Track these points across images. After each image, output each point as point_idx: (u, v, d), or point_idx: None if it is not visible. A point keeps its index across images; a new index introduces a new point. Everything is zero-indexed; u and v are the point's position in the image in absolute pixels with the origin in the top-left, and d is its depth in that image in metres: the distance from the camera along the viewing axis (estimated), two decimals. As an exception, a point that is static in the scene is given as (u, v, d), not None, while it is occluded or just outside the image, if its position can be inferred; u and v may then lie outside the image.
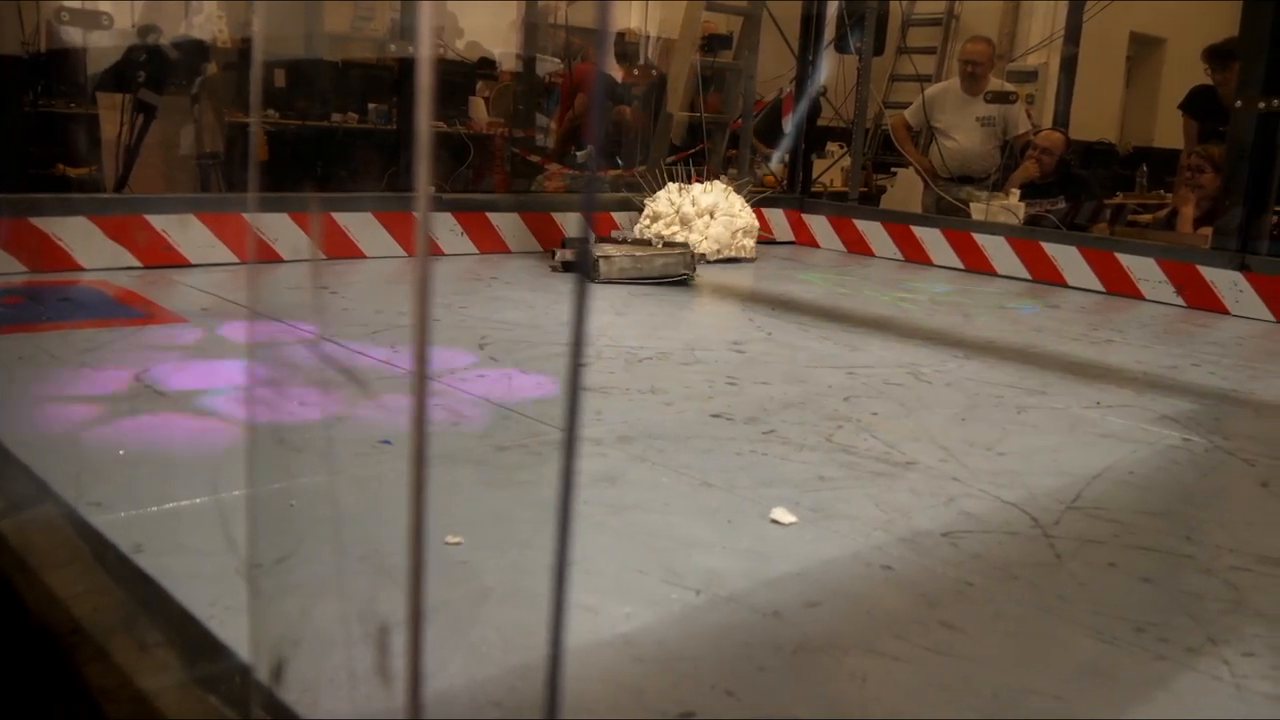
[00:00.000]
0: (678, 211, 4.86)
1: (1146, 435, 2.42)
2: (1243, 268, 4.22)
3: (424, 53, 0.59)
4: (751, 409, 2.43)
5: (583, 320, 0.63)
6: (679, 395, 2.52)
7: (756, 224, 5.15)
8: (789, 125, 6.16)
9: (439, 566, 1.48)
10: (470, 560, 1.52)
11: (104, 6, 4.74)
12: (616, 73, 6.94)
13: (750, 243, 5.09)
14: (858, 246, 5.62)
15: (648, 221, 4.88)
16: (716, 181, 5.09)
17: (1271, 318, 4.14)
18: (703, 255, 4.78)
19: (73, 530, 1.54)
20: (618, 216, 5.25)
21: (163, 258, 3.84)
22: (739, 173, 5.70)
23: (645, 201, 4.99)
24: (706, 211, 4.89)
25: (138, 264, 3.78)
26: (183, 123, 5.28)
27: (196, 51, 5.12)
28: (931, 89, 6.33)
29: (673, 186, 4.98)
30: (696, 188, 4.96)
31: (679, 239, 4.72)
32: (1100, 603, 1.52)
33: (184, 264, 3.86)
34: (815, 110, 5.98)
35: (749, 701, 1.21)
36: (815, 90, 5.88)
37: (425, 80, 0.58)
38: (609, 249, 4.24)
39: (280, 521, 1.61)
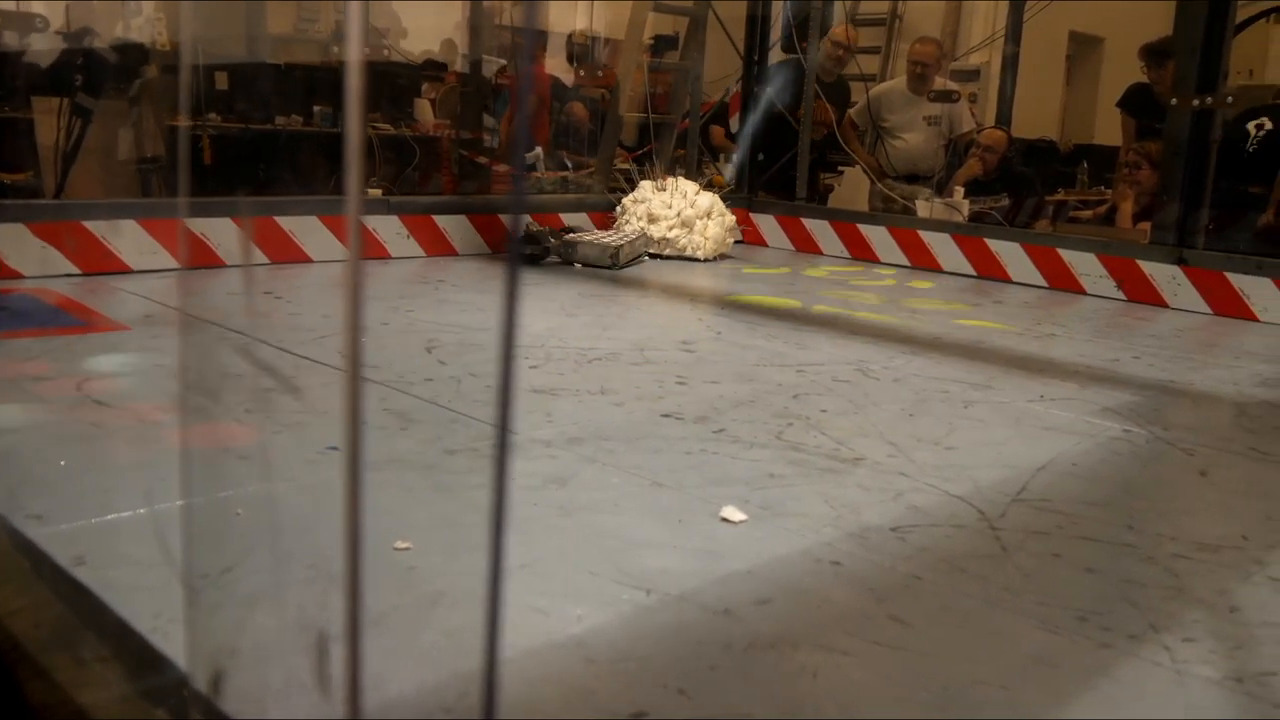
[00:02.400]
0: (678, 215, 5.04)
1: (1089, 427, 2.46)
2: (1180, 261, 4.32)
3: (354, 56, 0.58)
4: (701, 408, 2.43)
5: (513, 315, 0.62)
6: (629, 396, 2.52)
7: (734, 220, 5.36)
8: (735, 126, 6.18)
9: (388, 572, 1.47)
10: (419, 565, 1.51)
11: (38, 8, 4.63)
12: (567, 75, 6.92)
13: (732, 240, 5.32)
14: (806, 245, 5.67)
15: (643, 224, 5.05)
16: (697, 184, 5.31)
17: (1208, 310, 4.24)
18: (704, 257, 5.07)
19: (11, 544, 1.50)
20: (582, 217, 5.33)
21: (102, 264, 3.77)
22: (687, 173, 5.72)
23: (625, 202, 5.18)
24: (705, 214, 5.11)
25: (76, 270, 3.71)
26: (121, 127, 5.17)
27: (135, 54, 5.02)
28: (877, 89, 6.38)
29: (648, 185, 5.20)
30: (689, 189, 5.18)
31: (680, 242, 5.05)
32: (1045, 593, 1.55)
33: (124, 270, 3.79)
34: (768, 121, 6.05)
35: (701, 700, 1.21)
36: (767, 99, 5.94)
37: (355, 83, 0.58)
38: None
39: (225, 531, 1.59)
